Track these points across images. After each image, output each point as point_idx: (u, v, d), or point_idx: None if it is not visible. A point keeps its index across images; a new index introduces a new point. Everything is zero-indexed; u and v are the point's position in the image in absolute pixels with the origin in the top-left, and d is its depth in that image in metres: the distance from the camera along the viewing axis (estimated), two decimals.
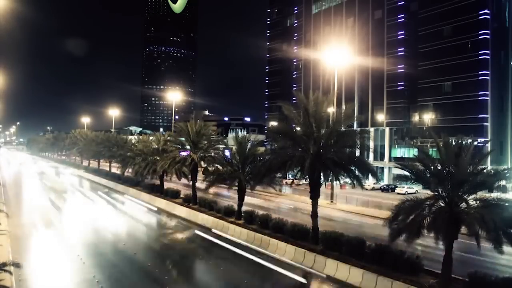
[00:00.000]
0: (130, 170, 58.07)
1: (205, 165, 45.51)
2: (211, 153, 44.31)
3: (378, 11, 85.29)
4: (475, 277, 18.63)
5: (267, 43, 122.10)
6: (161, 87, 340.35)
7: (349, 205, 50.37)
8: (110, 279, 22.02)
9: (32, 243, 29.34)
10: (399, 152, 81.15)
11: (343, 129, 28.09)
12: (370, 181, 63.45)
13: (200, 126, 45.08)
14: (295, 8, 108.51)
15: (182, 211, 41.66)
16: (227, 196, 52.49)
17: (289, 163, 26.37)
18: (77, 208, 46.07)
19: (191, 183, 44.76)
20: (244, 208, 34.95)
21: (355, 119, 76.56)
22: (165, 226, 38.66)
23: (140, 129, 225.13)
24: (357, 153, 30.78)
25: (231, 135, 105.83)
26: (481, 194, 19.18)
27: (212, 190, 41.40)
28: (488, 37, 69.28)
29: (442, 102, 73.87)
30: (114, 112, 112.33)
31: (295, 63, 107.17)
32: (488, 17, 69.34)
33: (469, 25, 70.13)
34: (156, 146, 53.51)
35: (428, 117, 76.57)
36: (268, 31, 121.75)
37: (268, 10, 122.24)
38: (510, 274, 20.45)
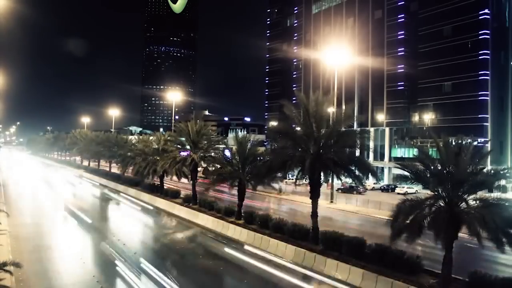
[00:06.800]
0: (131, 170, 58.06)
1: (205, 165, 45.52)
2: (211, 153, 44.32)
3: (378, 11, 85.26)
4: (475, 277, 18.64)
5: (267, 43, 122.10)
6: (161, 87, 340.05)
7: (349, 205, 50.35)
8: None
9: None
10: (399, 152, 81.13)
11: (343, 129, 28.12)
12: (370, 181, 63.43)
13: (200, 126, 45.10)
14: (295, 8, 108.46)
15: (182, 211, 41.67)
16: (227, 196, 52.47)
17: (290, 163, 26.40)
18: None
19: (191, 183, 44.78)
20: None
21: (355, 119, 76.87)
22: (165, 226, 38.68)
23: (140, 129, 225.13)
24: (357, 153, 30.80)
25: (231, 135, 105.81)
26: (481, 194, 19.18)
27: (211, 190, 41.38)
28: (488, 37, 69.26)
29: (442, 102, 73.85)
30: (114, 112, 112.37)
31: (295, 63, 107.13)
32: (488, 17, 69.32)
33: (469, 25, 70.11)
34: (156, 146, 53.50)
35: (428, 117, 76.58)
36: (268, 31, 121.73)
37: (268, 10, 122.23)
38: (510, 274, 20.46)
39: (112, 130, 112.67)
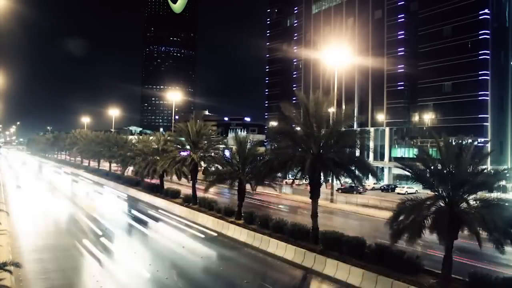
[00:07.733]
0: (131, 170, 58.13)
1: (205, 165, 45.52)
2: (211, 153, 44.31)
3: (378, 11, 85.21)
4: (475, 277, 18.63)
5: (267, 43, 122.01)
6: (161, 87, 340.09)
7: (349, 205, 50.31)
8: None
9: None
10: (399, 152, 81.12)
11: (343, 129, 28.09)
12: (370, 181, 63.52)
13: (200, 126, 45.09)
14: (295, 8, 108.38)
15: (182, 211, 41.66)
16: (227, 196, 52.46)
17: (290, 163, 26.38)
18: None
19: (191, 183, 44.77)
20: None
21: (355, 119, 76.78)
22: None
23: (140, 129, 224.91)
24: (357, 153, 30.78)
25: (231, 135, 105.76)
26: (481, 194, 19.16)
27: (212, 189, 41.33)
28: (488, 37, 69.16)
29: (442, 102, 73.78)
30: (114, 112, 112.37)
31: (295, 63, 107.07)
32: (488, 17, 69.25)
33: (469, 25, 70.04)
34: (156, 146, 53.54)
35: (428, 117, 76.53)
36: (268, 31, 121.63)
37: (268, 10, 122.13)
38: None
39: (112, 130, 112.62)
